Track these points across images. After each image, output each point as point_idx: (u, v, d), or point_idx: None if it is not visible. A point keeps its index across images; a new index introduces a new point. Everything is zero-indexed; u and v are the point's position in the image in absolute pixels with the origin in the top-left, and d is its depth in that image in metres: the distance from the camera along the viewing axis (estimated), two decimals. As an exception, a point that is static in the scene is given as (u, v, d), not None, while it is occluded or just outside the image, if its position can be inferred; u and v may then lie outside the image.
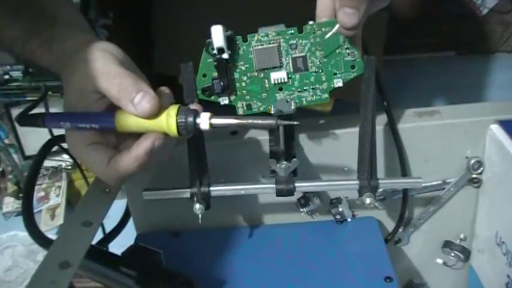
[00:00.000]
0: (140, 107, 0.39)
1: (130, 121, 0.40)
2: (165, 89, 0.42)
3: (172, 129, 0.39)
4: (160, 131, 0.40)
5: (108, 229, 0.62)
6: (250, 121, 0.40)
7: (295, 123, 0.42)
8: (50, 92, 1.13)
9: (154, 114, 0.39)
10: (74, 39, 0.44)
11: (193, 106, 0.41)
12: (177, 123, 0.39)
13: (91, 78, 0.40)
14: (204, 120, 0.39)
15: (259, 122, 0.40)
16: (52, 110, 0.87)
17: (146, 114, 0.39)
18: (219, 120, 0.40)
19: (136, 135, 0.41)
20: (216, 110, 0.43)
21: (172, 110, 0.39)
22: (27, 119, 0.45)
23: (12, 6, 0.46)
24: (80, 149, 0.42)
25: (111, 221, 0.61)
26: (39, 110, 0.53)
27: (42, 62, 0.45)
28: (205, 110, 0.41)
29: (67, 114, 0.42)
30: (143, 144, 0.39)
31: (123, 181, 0.42)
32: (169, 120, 0.39)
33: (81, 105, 0.41)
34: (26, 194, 0.52)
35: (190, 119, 0.39)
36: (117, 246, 0.57)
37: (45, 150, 0.53)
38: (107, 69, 0.40)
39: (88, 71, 0.40)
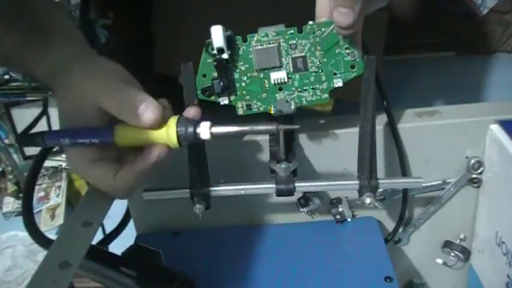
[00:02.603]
0: (145, 117, 0.39)
1: (130, 134, 0.40)
2: (163, 101, 0.42)
3: (173, 140, 0.39)
4: (161, 142, 0.40)
5: (108, 229, 0.62)
6: (250, 128, 0.40)
7: (296, 126, 0.42)
8: (50, 92, 1.12)
9: (159, 123, 0.39)
10: (66, 52, 0.44)
11: (191, 110, 0.41)
12: (177, 134, 0.39)
13: (90, 94, 0.40)
14: (204, 130, 0.39)
15: (260, 128, 0.40)
16: (51, 110, 0.86)
17: (150, 125, 0.39)
18: (219, 129, 0.40)
19: (137, 148, 0.41)
20: (216, 110, 0.43)
21: (172, 121, 0.40)
22: (28, 139, 0.45)
23: (6, 18, 0.45)
24: (82, 168, 0.42)
25: (111, 221, 0.61)
26: (38, 109, 0.53)
27: (36, 75, 0.44)
28: (204, 118, 0.41)
29: (66, 130, 0.42)
30: (149, 158, 0.40)
31: (131, 193, 0.43)
32: (169, 131, 0.39)
33: (81, 121, 0.41)
34: (26, 194, 0.52)
35: (190, 129, 0.39)
36: (117, 246, 0.57)
37: (46, 150, 0.53)
38: (106, 84, 0.40)
39: (86, 86, 0.40)
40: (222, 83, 0.45)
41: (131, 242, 0.59)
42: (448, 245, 0.63)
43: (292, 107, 0.46)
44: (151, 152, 0.40)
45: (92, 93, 0.40)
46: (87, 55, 0.43)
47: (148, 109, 0.39)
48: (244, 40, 0.45)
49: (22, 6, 0.45)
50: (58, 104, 0.42)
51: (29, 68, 0.44)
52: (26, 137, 0.46)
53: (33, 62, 0.44)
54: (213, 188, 0.49)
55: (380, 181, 0.47)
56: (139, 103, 0.39)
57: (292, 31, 0.45)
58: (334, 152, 0.57)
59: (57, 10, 0.48)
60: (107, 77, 0.40)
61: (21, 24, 0.45)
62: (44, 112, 0.68)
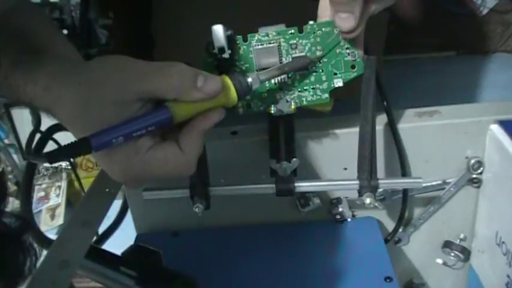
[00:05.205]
0: (207, 90, 0.37)
1: (187, 107, 0.38)
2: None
3: (233, 98, 0.39)
4: (218, 105, 0.39)
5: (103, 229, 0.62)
6: (287, 67, 0.44)
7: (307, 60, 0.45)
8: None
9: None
10: (66, 60, 0.39)
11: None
12: (236, 89, 0.39)
13: (130, 85, 0.36)
14: (254, 79, 0.40)
15: (294, 65, 0.44)
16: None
17: (216, 94, 0.37)
18: (265, 75, 0.42)
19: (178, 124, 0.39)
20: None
21: (226, 80, 0.39)
22: (62, 153, 0.35)
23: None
24: (140, 161, 0.38)
25: (110, 221, 0.61)
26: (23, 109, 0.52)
27: (26, 94, 0.37)
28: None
29: (117, 126, 0.36)
30: (213, 115, 0.39)
31: (196, 165, 0.40)
32: (228, 90, 0.39)
33: (120, 120, 0.36)
34: (24, 191, 0.52)
35: (244, 82, 0.40)
36: (117, 246, 0.57)
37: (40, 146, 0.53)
38: (146, 68, 0.37)
39: (122, 79, 0.36)
40: (222, 83, 0.45)
41: (131, 242, 0.59)
42: (448, 245, 0.63)
43: (292, 107, 0.47)
44: (212, 111, 0.39)
45: (132, 83, 0.36)
46: (84, 62, 0.40)
47: (208, 81, 0.37)
48: (245, 40, 0.45)
49: (13, 31, 0.40)
50: (66, 115, 0.37)
51: (19, 88, 0.37)
52: (58, 152, 0.35)
53: (23, 79, 0.37)
54: (213, 188, 0.49)
55: (380, 181, 0.47)
56: (195, 76, 0.37)
57: (292, 31, 0.45)
58: (334, 152, 0.57)
59: (49, 27, 0.43)
60: (137, 62, 0.37)
61: (14, 46, 0.39)
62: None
